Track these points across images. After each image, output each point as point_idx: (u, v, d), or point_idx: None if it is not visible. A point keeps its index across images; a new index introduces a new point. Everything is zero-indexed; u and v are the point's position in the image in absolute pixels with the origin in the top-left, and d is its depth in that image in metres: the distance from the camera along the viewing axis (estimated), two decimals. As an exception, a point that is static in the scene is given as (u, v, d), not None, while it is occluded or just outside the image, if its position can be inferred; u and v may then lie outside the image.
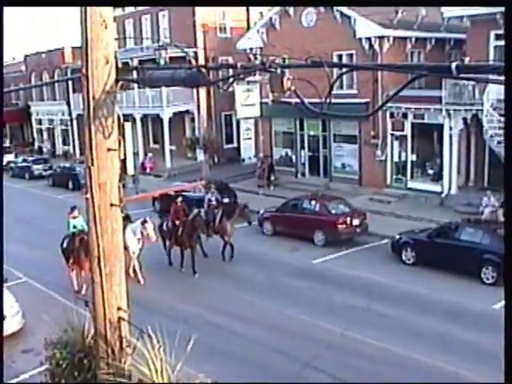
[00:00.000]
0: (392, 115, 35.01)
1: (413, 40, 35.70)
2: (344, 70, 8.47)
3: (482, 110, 29.72)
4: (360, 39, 34.93)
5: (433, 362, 16.13)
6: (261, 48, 39.78)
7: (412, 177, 35.36)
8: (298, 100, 7.03)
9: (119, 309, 8.46)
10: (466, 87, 30.56)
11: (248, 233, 28.31)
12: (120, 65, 7.85)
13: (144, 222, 22.07)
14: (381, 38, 34.37)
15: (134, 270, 22.50)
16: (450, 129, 32.16)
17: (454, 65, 5.56)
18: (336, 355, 16.61)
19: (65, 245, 21.80)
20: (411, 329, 18.35)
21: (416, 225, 27.54)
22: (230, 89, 35.69)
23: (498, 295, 20.75)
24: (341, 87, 35.83)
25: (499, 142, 29.00)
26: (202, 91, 44.32)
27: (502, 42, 30.79)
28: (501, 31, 30.78)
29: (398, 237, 25.10)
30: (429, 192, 33.61)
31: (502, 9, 28.84)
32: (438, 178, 33.84)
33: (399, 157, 35.81)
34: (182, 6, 44.14)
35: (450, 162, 32.60)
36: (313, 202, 28.13)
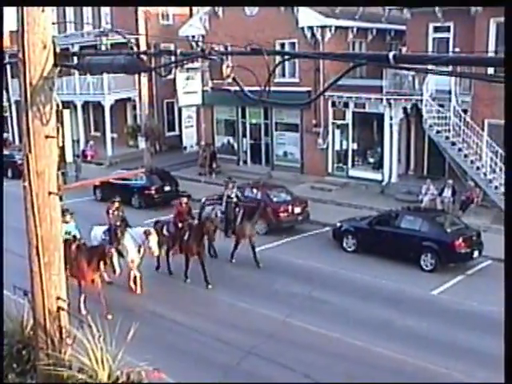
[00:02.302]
0: (333, 104, 35.28)
1: (354, 30, 35.95)
2: (284, 58, 8.46)
3: (421, 100, 30.17)
4: (302, 28, 35.03)
5: (373, 348, 16.39)
6: (203, 36, 39.53)
7: (353, 165, 35.71)
8: (238, 88, 6.98)
9: (58, 298, 8.32)
10: (406, 77, 30.98)
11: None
12: (59, 50, 7.69)
13: (148, 234, 19.67)
14: (323, 27, 34.53)
15: (134, 280, 20.40)
16: (391, 118, 32.57)
17: (391, 54, 5.61)
18: (278, 343, 16.71)
19: None
20: (352, 315, 18.58)
21: (357, 212, 27.85)
22: (172, 76, 35.44)
23: (437, 281, 21.30)
24: (283, 75, 35.96)
25: (438, 132, 29.52)
26: (144, 78, 43.79)
27: (441, 35, 31.41)
28: (439, 24, 31.30)
29: (339, 224, 25.34)
30: (369, 180, 34.03)
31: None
32: (378, 166, 34.27)
33: (340, 145, 36.12)
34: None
35: (390, 150, 33.05)
36: (254, 191, 28.18)
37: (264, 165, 39.13)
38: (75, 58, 8.77)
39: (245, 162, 40.39)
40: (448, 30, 31.34)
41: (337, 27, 34.84)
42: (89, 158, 44.45)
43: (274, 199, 27.64)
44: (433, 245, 22.37)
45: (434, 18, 31.11)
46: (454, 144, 29.26)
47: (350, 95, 33.60)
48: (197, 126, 44.14)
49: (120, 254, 19.33)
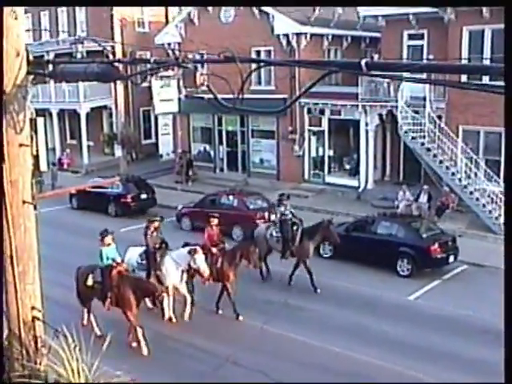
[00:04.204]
0: (309, 111, 35.41)
1: (329, 37, 36.12)
2: (260, 65, 8.49)
3: (396, 107, 30.36)
4: (278, 36, 35.14)
5: (351, 354, 16.45)
6: (179, 43, 39.55)
7: (329, 172, 35.84)
8: (212, 96, 6.99)
9: (33, 308, 8.26)
10: (381, 84, 31.18)
11: (166, 228, 28.09)
12: (32, 58, 7.65)
13: (194, 253, 17.68)
14: (298, 34, 34.67)
15: (173, 309, 18.50)
16: (366, 125, 32.74)
17: (363, 62, 5.65)
18: (254, 350, 16.69)
19: (90, 281, 17.18)
20: (330, 322, 18.62)
21: (333, 219, 27.90)
22: (147, 84, 35.42)
23: (413, 286, 21.44)
24: (259, 83, 36.08)
25: (413, 138, 29.72)
26: (120, 86, 43.72)
27: (415, 42, 31.67)
28: (413, 31, 31.58)
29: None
30: (346, 186, 34.17)
31: (415, 9, 29.67)
32: (354, 172, 34.43)
33: (317, 152, 36.25)
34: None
35: (366, 157, 33.21)
36: (231, 198, 28.22)
37: (240, 172, 39.17)
38: (50, 66, 8.73)
39: (221, 169, 40.41)
40: (422, 37, 31.62)
41: (312, 34, 34.98)
42: (65, 166, 44.17)
43: (251, 206, 27.71)
44: (409, 250, 22.51)
45: (409, 26, 31.39)
46: (429, 150, 29.47)
47: (326, 102, 33.76)
48: (173, 134, 44.09)
49: (159, 282, 17.81)
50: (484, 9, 27.46)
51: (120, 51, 42.61)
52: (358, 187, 33.55)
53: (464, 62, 27.95)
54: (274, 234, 21.97)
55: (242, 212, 27.18)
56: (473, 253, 24.62)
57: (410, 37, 32.05)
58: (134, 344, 16.38)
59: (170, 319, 18.34)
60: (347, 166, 35.58)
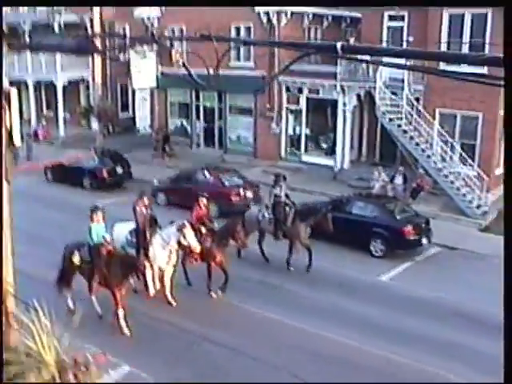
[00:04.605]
0: (288, 89, 35.34)
1: (310, 16, 35.98)
2: (238, 45, 8.44)
3: (374, 88, 30.38)
4: (258, 13, 34.90)
5: (324, 334, 16.53)
6: (158, 18, 39.21)
7: (306, 150, 35.86)
8: (192, 71, 6.95)
9: (4, 282, 8.23)
10: (360, 65, 31.15)
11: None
12: (7, 28, 7.54)
13: (182, 228, 17.08)
14: (278, 12, 34.46)
15: (164, 291, 17.94)
16: (344, 104, 32.73)
17: (339, 45, 5.67)
18: (230, 328, 16.79)
19: (76, 259, 16.59)
20: (303, 301, 18.66)
21: (309, 198, 27.96)
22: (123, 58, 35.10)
23: (386, 267, 21.61)
24: (238, 59, 35.90)
25: (391, 120, 29.80)
26: (98, 59, 43.18)
27: (395, 23, 31.67)
28: (394, 12, 31.54)
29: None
30: (322, 166, 34.19)
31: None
32: (331, 152, 34.47)
33: (294, 130, 36.25)
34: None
35: (343, 137, 33.24)
36: (206, 174, 28.15)
37: (217, 148, 39.06)
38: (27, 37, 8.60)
39: (198, 145, 40.26)
40: (402, 19, 31.59)
41: (292, 13, 34.80)
42: (41, 138, 43.80)
43: (226, 183, 27.66)
44: (382, 231, 22.63)
45: (389, 7, 31.31)
46: (405, 132, 29.58)
47: (304, 81, 33.70)
48: (150, 108, 43.77)
49: (148, 260, 16.81)
50: (465, -7, 27.52)
51: (98, 23, 42.09)
52: (335, 167, 33.61)
53: (443, 47, 28.07)
54: (267, 215, 21.56)
55: (218, 188, 27.10)
56: (446, 235, 24.82)
57: (391, 18, 32.00)
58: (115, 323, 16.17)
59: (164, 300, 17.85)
60: (324, 146, 35.62)
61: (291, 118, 36.00)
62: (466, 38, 28.55)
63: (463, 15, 28.48)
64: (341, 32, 37.79)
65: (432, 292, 19.62)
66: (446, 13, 28.80)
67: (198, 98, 39.69)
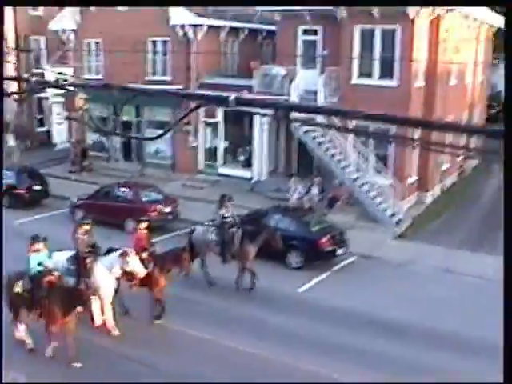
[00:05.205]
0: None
1: (226, 29, 36.26)
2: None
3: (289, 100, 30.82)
4: (174, 26, 34.99)
5: (243, 348, 16.80)
6: (74, 30, 38.83)
7: (224, 163, 36.08)
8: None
9: None
10: (275, 78, 31.63)
11: (59, 220, 27.85)
12: None
13: (124, 255, 16.57)
14: (195, 26, 34.60)
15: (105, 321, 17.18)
16: (261, 117, 33.02)
17: (232, 97, 6.05)
18: (150, 347, 16.87)
19: (18, 289, 15.68)
20: (221, 315, 18.80)
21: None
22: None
23: (304, 279, 21.99)
24: (154, 73, 35.95)
25: (306, 132, 30.31)
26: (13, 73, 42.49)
27: (309, 37, 32.28)
28: (308, 27, 32.14)
29: (207, 223, 25.57)
30: (240, 178, 34.40)
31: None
32: (248, 164, 34.74)
33: (211, 143, 36.42)
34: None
35: (260, 148, 33.56)
36: (125, 190, 28.07)
37: (136, 162, 38.83)
38: None
39: (116, 159, 39.87)
40: (316, 33, 32.19)
41: (209, 26, 34.99)
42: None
43: (144, 199, 27.65)
44: (298, 243, 23.02)
45: (303, 21, 31.87)
46: (320, 144, 30.15)
47: (221, 94, 33.84)
48: (68, 123, 43.22)
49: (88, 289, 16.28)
50: (375, 9, 28.31)
51: (13, 36, 41.39)
52: (252, 178, 33.93)
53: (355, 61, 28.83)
54: (214, 237, 21.20)
55: (136, 204, 27.10)
56: (362, 244, 25.43)
57: (305, 32, 32.56)
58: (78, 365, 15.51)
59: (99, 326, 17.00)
60: (241, 158, 35.87)
61: (209, 130, 36.16)
62: (377, 52, 29.42)
63: (373, 30, 29.31)
64: (257, 45, 38.26)
65: (347, 301, 20.09)
66: (358, 27, 29.56)
67: (115, 111, 39.38)
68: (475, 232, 28.99)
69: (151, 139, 10.63)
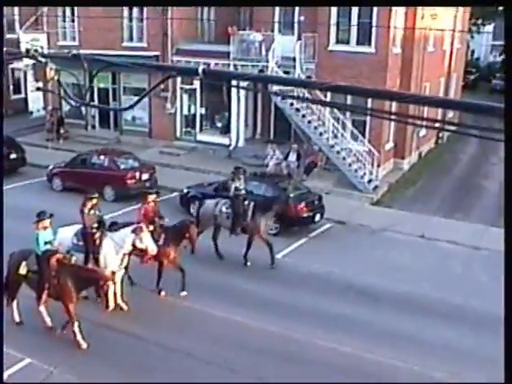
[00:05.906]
0: (182, 69, 35.23)
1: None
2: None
3: (267, 67, 30.73)
4: (150, -9, 34.57)
5: (218, 314, 16.92)
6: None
7: (201, 130, 35.96)
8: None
9: None
10: (252, 44, 31.50)
11: (36, 189, 27.77)
12: None
13: (138, 231, 16.11)
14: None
15: (115, 296, 16.73)
16: (238, 83, 32.89)
17: (201, 68, 6.05)
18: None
19: (23, 269, 15.25)
20: (197, 281, 18.59)
21: (205, 177, 28.27)
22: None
23: (281, 245, 22.08)
24: (131, 40, 35.61)
25: (283, 98, 30.23)
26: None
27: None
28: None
29: (186, 190, 25.64)
30: (217, 144, 34.43)
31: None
32: (226, 130, 34.70)
33: (189, 110, 36.27)
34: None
35: (237, 115, 33.59)
36: (102, 157, 27.95)
37: (113, 130, 38.57)
38: None
39: (93, 126, 39.60)
40: None
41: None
42: None
43: (122, 166, 27.54)
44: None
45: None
46: (298, 110, 30.16)
47: (198, 60, 33.60)
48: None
49: (98, 266, 16.10)
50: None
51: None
52: (229, 145, 33.93)
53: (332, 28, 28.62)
54: (224, 210, 20.86)
55: (114, 172, 27.03)
56: (339, 211, 25.62)
57: None
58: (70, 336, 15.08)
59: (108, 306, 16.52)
60: (219, 124, 35.78)
61: (186, 97, 35.99)
62: (354, 19, 29.34)
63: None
64: (234, 11, 37.97)
65: (325, 267, 20.27)
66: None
67: (91, 79, 38.97)
68: (449, 199, 29.30)
69: (124, 109, 10.50)
